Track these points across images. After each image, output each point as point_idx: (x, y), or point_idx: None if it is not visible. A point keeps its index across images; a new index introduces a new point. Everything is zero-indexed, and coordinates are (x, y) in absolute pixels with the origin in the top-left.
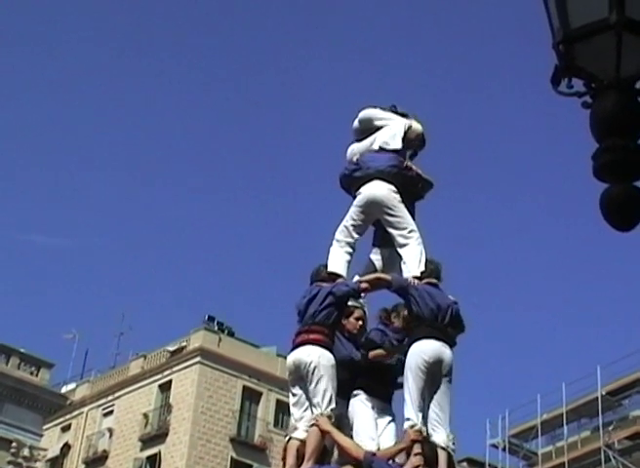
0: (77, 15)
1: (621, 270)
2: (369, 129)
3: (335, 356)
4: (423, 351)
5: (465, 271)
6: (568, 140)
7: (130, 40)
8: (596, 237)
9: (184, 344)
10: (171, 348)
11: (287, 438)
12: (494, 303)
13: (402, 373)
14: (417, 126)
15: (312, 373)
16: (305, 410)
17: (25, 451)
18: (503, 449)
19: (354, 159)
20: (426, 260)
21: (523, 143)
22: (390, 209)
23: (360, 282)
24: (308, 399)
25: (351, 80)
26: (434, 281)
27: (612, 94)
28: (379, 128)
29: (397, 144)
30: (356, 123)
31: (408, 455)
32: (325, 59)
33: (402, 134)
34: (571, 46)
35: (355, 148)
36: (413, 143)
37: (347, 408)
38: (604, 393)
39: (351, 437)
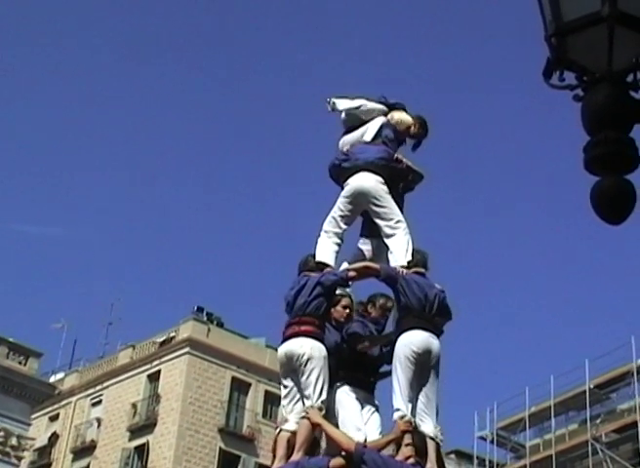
0: (78, 13)
1: (611, 265)
2: (357, 121)
3: (326, 346)
4: (412, 342)
5: (455, 265)
6: (560, 134)
7: (127, 34)
8: (587, 231)
9: (173, 335)
10: (160, 338)
11: (277, 430)
12: (483, 296)
13: (384, 363)
14: (399, 116)
15: (304, 366)
16: (297, 403)
17: (13, 441)
18: (491, 442)
19: (344, 149)
20: (413, 250)
21: (515, 136)
22: (377, 199)
23: (348, 270)
24: (300, 391)
25: (347, 74)
26: (422, 270)
27: (604, 86)
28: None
29: (368, 138)
30: (343, 115)
31: (398, 446)
32: (318, 51)
33: (376, 129)
34: (563, 39)
35: (346, 139)
36: (404, 134)
37: (333, 396)
38: (592, 386)
39: (337, 427)
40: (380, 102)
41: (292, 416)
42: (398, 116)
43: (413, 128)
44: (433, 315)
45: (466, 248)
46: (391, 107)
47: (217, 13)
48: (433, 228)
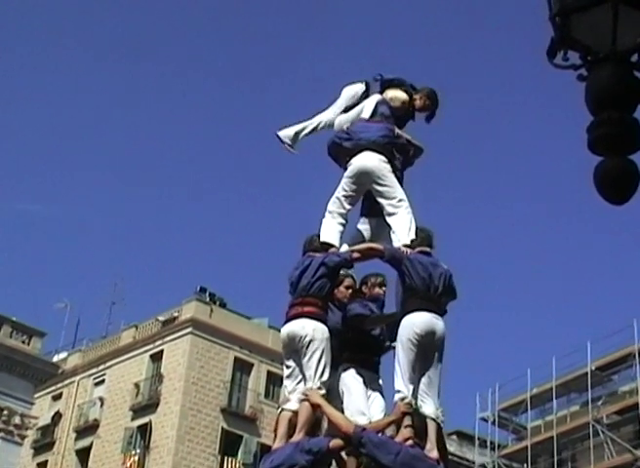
0: (74, 12)
1: (612, 246)
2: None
3: (329, 328)
4: (414, 324)
5: (458, 247)
6: (562, 115)
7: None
8: (587, 212)
9: (176, 315)
10: (162, 318)
11: (279, 409)
12: (487, 279)
13: (389, 341)
14: (393, 94)
15: (307, 347)
16: (298, 383)
17: (17, 419)
18: (493, 423)
19: (344, 127)
20: (417, 228)
21: (515, 120)
22: (381, 179)
23: (352, 251)
24: (302, 371)
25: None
26: (427, 249)
27: (608, 66)
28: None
29: (366, 116)
30: (335, 125)
31: (398, 427)
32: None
33: (372, 107)
34: (567, 18)
35: (343, 119)
36: (400, 109)
37: (338, 377)
38: (594, 368)
39: (341, 409)
40: (376, 80)
41: (293, 396)
42: (392, 93)
43: (419, 101)
44: (438, 295)
45: (470, 231)
46: (387, 84)
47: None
48: (430, 208)
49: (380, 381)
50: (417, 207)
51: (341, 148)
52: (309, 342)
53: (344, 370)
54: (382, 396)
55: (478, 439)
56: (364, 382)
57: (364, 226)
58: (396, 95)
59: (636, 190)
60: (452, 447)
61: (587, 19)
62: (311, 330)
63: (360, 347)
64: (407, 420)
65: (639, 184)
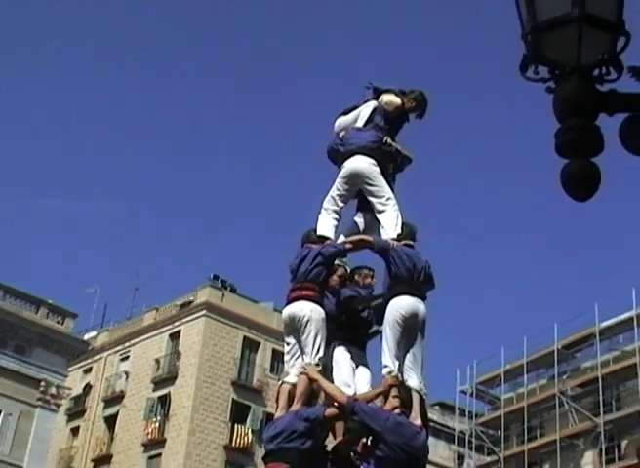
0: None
1: (575, 241)
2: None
3: (324, 310)
4: (400, 306)
5: (438, 235)
6: (533, 122)
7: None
8: (553, 208)
9: (192, 299)
10: (180, 302)
11: (280, 382)
12: (465, 266)
13: (374, 324)
14: (388, 98)
15: (305, 326)
16: (297, 358)
17: (52, 390)
18: (471, 395)
19: (340, 135)
20: (402, 224)
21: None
22: (370, 179)
23: (345, 243)
24: (300, 348)
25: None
26: (410, 242)
27: (573, 79)
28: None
29: (360, 124)
30: (335, 127)
31: (386, 398)
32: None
33: (367, 115)
34: (538, 37)
35: (342, 122)
36: (394, 113)
37: (330, 354)
38: (559, 347)
39: (332, 381)
40: (367, 88)
41: (293, 370)
42: (387, 98)
43: (408, 104)
44: (420, 282)
45: (449, 216)
46: (381, 92)
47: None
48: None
49: (367, 358)
50: (405, 199)
51: (338, 153)
52: (307, 322)
53: (335, 347)
54: (369, 370)
55: (458, 409)
56: (352, 358)
57: (359, 219)
58: (391, 99)
59: (597, 189)
60: (434, 416)
61: (555, 38)
62: (309, 311)
63: (350, 327)
64: (394, 392)
65: (600, 184)
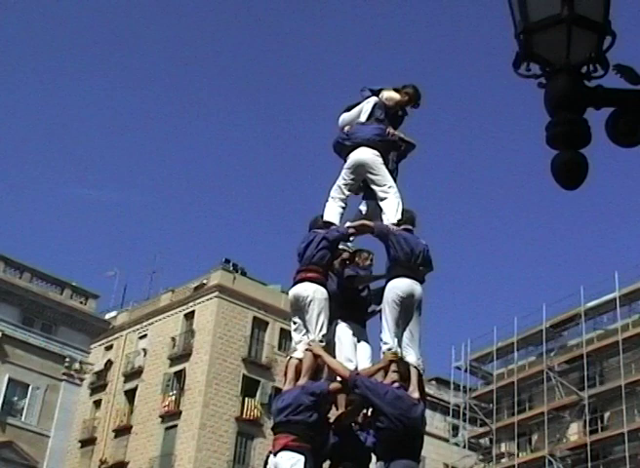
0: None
1: (564, 224)
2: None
3: (328, 291)
4: (398, 287)
5: (432, 219)
6: (525, 115)
7: None
8: (543, 192)
9: (205, 281)
10: (194, 284)
11: (288, 357)
12: (461, 252)
13: (373, 304)
14: (388, 94)
15: (308, 306)
16: (303, 335)
17: (76, 366)
18: (465, 371)
19: (345, 130)
20: (403, 210)
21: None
22: (373, 169)
23: (348, 228)
24: (305, 326)
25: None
26: (410, 227)
27: (562, 76)
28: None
29: (363, 119)
30: (339, 122)
31: (386, 373)
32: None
33: (369, 110)
34: (529, 36)
35: (346, 118)
36: (394, 107)
37: (333, 331)
38: (548, 326)
39: (335, 357)
40: (362, 90)
41: (299, 347)
42: (387, 94)
43: (403, 98)
44: (418, 265)
45: (443, 201)
46: (379, 90)
47: None
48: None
49: (367, 335)
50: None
51: (343, 146)
52: (310, 302)
53: (338, 324)
54: (369, 345)
55: (453, 383)
56: (353, 334)
57: (364, 207)
58: (391, 95)
59: (585, 178)
60: (431, 390)
61: (546, 38)
62: (312, 291)
63: (351, 305)
64: (393, 367)
65: (587, 174)
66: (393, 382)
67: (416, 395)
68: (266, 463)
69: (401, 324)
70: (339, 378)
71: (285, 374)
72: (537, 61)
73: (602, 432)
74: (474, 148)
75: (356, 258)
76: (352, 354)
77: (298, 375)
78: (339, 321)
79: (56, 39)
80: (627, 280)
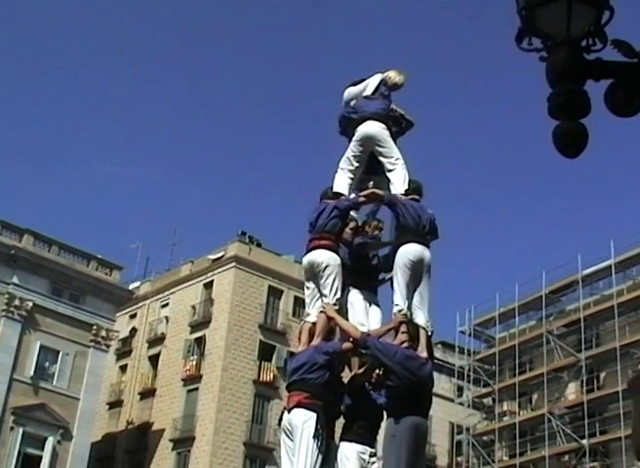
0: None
1: (562, 195)
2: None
3: (340, 257)
4: (409, 252)
5: (437, 187)
6: (527, 88)
7: None
8: (543, 160)
9: (223, 253)
10: (212, 256)
11: (302, 321)
12: (466, 222)
13: (383, 271)
14: (392, 74)
15: (323, 271)
16: (317, 301)
17: (103, 333)
18: (469, 335)
19: (351, 104)
20: (409, 181)
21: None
22: (381, 141)
23: (358, 197)
24: (319, 291)
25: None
26: (417, 197)
27: (563, 50)
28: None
29: (369, 93)
30: (345, 96)
31: (396, 333)
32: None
33: (375, 85)
34: (531, 11)
35: (352, 91)
36: (393, 89)
37: (346, 298)
38: (547, 292)
39: (348, 321)
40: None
41: (313, 311)
42: (391, 74)
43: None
44: (426, 232)
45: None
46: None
47: None
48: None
49: (378, 301)
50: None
51: (350, 120)
52: (325, 267)
53: (350, 291)
54: (380, 309)
55: (458, 347)
56: (364, 299)
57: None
58: (391, 75)
59: (585, 147)
60: (437, 353)
61: (547, 12)
62: (326, 258)
63: (362, 272)
64: (403, 328)
65: (587, 142)
66: (403, 342)
67: (424, 354)
68: (281, 420)
69: (411, 287)
70: (351, 340)
71: (299, 337)
72: (538, 36)
73: (598, 391)
74: (474, 117)
75: (366, 228)
76: (364, 319)
77: (311, 339)
78: (350, 288)
79: (73, 20)
80: (622, 248)
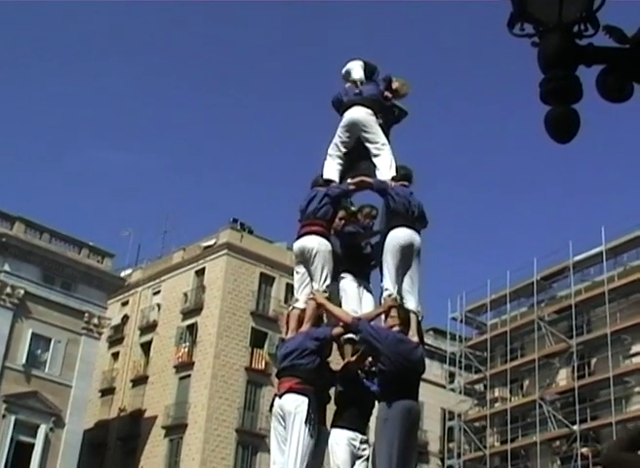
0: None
1: (554, 184)
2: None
3: (331, 244)
4: (398, 236)
5: (428, 177)
6: (520, 73)
7: None
8: (535, 145)
9: (215, 240)
10: (204, 243)
11: (290, 307)
12: (460, 211)
13: (375, 259)
14: (399, 83)
15: (313, 257)
16: (306, 287)
17: (95, 320)
18: (461, 321)
19: (346, 87)
20: (398, 166)
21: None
22: (367, 127)
23: (349, 184)
24: (310, 276)
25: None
26: (405, 183)
27: (555, 35)
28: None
29: (357, 76)
30: (343, 71)
31: (386, 318)
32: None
33: (361, 69)
34: None
35: (350, 68)
36: (393, 92)
37: (338, 286)
38: (538, 278)
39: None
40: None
41: (302, 297)
42: (399, 82)
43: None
44: (415, 218)
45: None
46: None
47: None
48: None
49: (371, 287)
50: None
51: (340, 102)
52: (316, 253)
53: (342, 278)
54: (372, 296)
55: (449, 333)
56: (357, 286)
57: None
58: (396, 80)
59: (577, 132)
60: (429, 340)
61: None
62: (317, 244)
63: (355, 261)
64: (393, 312)
65: (579, 128)
66: (393, 326)
67: (415, 339)
68: (272, 406)
69: (401, 272)
70: (341, 324)
71: (287, 324)
72: (530, 21)
73: (589, 377)
74: (467, 102)
75: (358, 216)
76: (357, 305)
77: (299, 325)
78: (343, 275)
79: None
80: (613, 234)
